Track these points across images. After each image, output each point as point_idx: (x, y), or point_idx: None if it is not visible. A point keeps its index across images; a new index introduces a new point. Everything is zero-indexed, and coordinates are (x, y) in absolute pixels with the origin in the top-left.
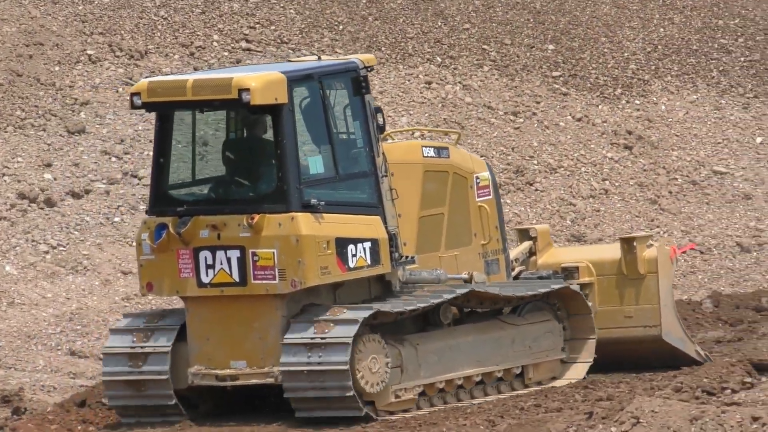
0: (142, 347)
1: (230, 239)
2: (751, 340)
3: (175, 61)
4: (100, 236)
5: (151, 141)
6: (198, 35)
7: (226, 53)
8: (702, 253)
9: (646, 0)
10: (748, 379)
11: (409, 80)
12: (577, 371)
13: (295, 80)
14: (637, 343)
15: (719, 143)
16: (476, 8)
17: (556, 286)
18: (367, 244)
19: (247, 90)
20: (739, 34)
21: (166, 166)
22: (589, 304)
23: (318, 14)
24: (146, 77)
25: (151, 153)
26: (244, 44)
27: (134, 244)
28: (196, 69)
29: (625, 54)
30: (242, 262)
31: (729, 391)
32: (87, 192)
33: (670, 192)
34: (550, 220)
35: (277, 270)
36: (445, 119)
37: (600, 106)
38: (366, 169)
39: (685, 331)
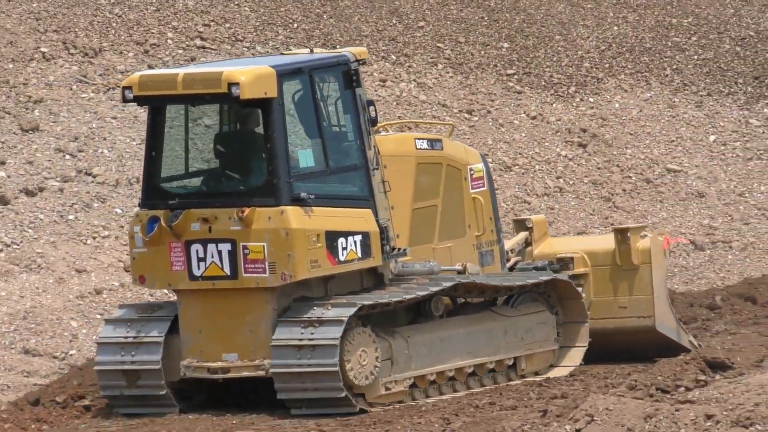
0: (135, 337)
1: (221, 232)
2: (704, 338)
3: (130, 58)
4: (54, 234)
5: (105, 139)
6: (152, 33)
7: (180, 51)
8: None
9: None
10: (702, 377)
11: (363, 78)
12: (573, 358)
13: (284, 74)
14: (631, 334)
15: (673, 141)
16: (431, 6)
17: (545, 278)
18: (358, 237)
19: (237, 84)
20: (692, 32)
21: (158, 160)
22: (579, 289)
23: (273, 12)
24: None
25: (106, 151)
26: (198, 42)
27: (127, 236)
28: (151, 67)
29: (580, 52)
30: (233, 255)
31: (683, 389)
32: (41, 190)
33: (624, 190)
34: (504, 218)
35: (267, 263)
36: (399, 117)
37: (554, 104)
38: (357, 162)
39: (679, 322)
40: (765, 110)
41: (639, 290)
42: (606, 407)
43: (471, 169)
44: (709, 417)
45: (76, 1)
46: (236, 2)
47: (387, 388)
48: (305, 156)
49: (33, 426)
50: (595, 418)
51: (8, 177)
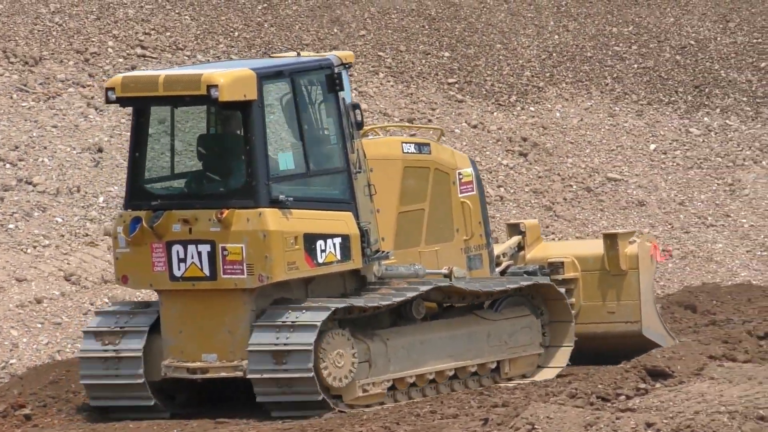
0: (121, 328)
1: (201, 234)
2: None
3: (70, 67)
4: None
5: (45, 148)
6: (93, 41)
7: (121, 59)
8: None
9: (541, 7)
10: (642, 385)
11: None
12: (560, 359)
13: (265, 77)
14: (619, 338)
15: (613, 150)
16: (372, 15)
17: (525, 283)
18: (337, 240)
19: (216, 86)
20: (632, 41)
21: (142, 161)
22: (561, 290)
23: (213, 20)
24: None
25: (47, 160)
26: (139, 50)
27: (110, 237)
28: (91, 76)
29: (520, 61)
30: (212, 256)
31: (623, 397)
32: None
33: (565, 198)
34: None
35: (245, 265)
36: None
37: (495, 113)
38: (338, 165)
39: (665, 327)
40: (705, 119)
41: (627, 295)
42: (547, 416)
43: (460, 174)
44: (649, 425)
45: (17, 10)
46: (177, 11)
47: (365, 390)
48: (285, 158)
49: None
50: (536, 426)
51: None
